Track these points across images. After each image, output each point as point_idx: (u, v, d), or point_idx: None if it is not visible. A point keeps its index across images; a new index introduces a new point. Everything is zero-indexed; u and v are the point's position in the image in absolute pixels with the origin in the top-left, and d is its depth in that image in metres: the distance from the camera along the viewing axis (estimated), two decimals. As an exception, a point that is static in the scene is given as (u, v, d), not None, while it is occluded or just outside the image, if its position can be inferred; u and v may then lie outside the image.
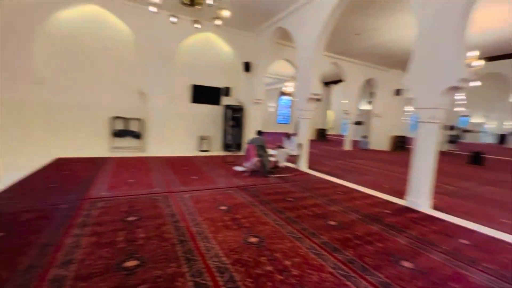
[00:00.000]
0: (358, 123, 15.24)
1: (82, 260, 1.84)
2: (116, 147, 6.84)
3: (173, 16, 4.25)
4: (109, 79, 6.68)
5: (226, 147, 8.14)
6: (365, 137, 12.72)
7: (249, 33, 8.05)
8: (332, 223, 2.83)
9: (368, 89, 14.92)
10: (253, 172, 5.09)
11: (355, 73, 11.08)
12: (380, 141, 12.30)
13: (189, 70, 7.66)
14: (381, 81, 11.88)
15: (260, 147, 5.11)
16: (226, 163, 6.14)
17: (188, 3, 3.54)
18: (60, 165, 4.92)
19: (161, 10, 5.22)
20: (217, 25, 4.09)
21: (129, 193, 3.44)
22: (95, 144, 6.62)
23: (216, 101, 8.18)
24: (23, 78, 5.62)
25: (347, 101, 11.38)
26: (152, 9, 3.82)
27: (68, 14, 6.04)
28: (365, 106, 18.08)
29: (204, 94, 7.97)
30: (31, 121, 5.83)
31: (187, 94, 7.75)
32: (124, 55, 6.76)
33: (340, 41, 8.33)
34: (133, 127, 7.05)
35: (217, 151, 8.16)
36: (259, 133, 5.62)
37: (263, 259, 2.01)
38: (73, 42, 6.19)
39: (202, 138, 7.95)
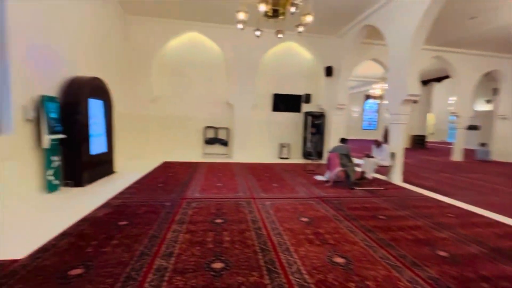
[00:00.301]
0: (472, 127, 12.27)
1: (179, 254, 2.08)
2: (207, 153, 7.70)
3: (257, 30, 4.46)
4: (203, 94, 7.63)
5: (306, 155, 7.95)
6: (484, 145, 10.08)
7: (331, 37, 7.71)
8: (442, 253, 2.28)
9: (488, 85, 11.84)
10: (336, 183, 4.74)
11: (467, 66, 8.97)
12: (507, 150, 9.46)
13: (270, 80, 7.93)
14: (509, 73, 9.21)
15: (344, 155, 4.73)
16: (306, 171, 5.97)
17: (271, 14, 3.65)
18: (166, 167, 5.88)
19: (246, 27, 5.64)
20: (300, 33, 4.06)
21: (217, 196, 3.75)
22: (192, 150, 7.64)
23: (296, 109, 8.15)
24: (144, 97, 7.08)
25: (455, 101, 9.30)
26: (239, 26, 4.12)
27: (173, 43, 7.28)
28: (482, 107, 14.38)
29: (285, 102, 8.07)
30: (148, 131, 7.25)
31: (269, 103, 8.02)
32: (215, 72, 7.60)
33: (446, 29, 6.95)
34: (221, 135, 7.78)
35: (296, 158, 8.07)
36: (343, 140, 5.21)
37: (351, 285, 1.78)
38: (176, 66, 7.41)
39: (282, 146, 8.03)
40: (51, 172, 3.64)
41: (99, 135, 4.70)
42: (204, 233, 2.49)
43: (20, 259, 1.94)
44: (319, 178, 5.17)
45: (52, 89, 3.82)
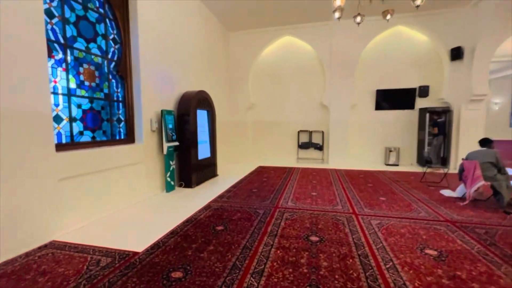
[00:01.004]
0: None
1: (270, 275, 1.88)
2: (301, 158, 7.44)
3: (358, 15, 3.88)
4: (297, 97, 7.45)
5: (424, 161, 6.40)
6: None
7: (458, 10, 5.95)
8: None
9: None
10: (475, 202, 3.48)
11: None
12: None
13: (372, 75, 6.90)
14: None
15: (489, 164, 3.42)
16: (425, 183, 4.74)
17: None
18: (260, 172, 6.01)
19: (343, 19, 5.07)
20: (417, 7, 3.23)
21: (312, 207, 3.41)
22: (286, 155, 7.58)
23: (407, 105, 6.74)
24: (241, 105, 7.58)
25: None
26: (336, 15, 3.69)
27: (267, 51, 7.46)
28: None
29: (391, 99, 6.82)
30: (245, 137, 7.69)
31: (370, 102, 6.99)
32: (309, 74, 7.28)
33: None
34: (316, 139, 7.35)
35: (408, 166, 6.65)
36: (486, 143, 3.79)
37: None
38: (271, 72, 7.55)
39: (389, 150, 6.80)
40: (169, 174, 4.29)
41: (205, 142, 5.26)
42: (297, 252, 2.22)
43: (139, 252, 2.25)
44: (448, 193, 3.96)
45: (169, 103, 4.53)
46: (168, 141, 4.18)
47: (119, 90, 3.70)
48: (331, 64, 6.84)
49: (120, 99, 3.73)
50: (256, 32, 7.26)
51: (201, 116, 5.10)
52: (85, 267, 2.03)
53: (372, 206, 3.46)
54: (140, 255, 2.20)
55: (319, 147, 7.28)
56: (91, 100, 3.26)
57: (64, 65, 2.90)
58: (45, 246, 2.41)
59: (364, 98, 7.01)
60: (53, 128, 2.58)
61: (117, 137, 3.68)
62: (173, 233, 2.64)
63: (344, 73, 6.76)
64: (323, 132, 7.26)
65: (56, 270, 1.99)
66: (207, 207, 3.48)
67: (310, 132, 7.36)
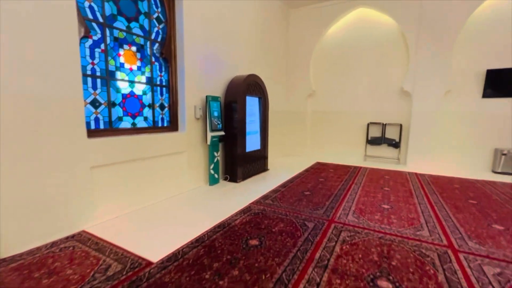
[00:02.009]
0: None
1: None
2: (370, 156, 6.22)
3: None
4: (367, 82, 6.17)
5: None
6: None
7: None
8: None
9: None
10: None
11: None
12: None
13: (481, 49, 5.07)
14: None
15: None
16: None
17: None
18: (318, 170, 5.18)
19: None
20: None
21: (382, 228, 2.51)
22: (349, 151, 6.46)
23: (540, 91, 4.73)
24: (300, 93, 6.76)
25: None
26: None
27: (333, 29, 6.35)
28: None
29: (511, 82, 4.90)
30: (303, 128, 6.88)
31: (475, 86, 5.20)
32: (385, 54, 5.89)
33: None
34: (391, 134, 5.99)
35: (536, 177, 4.72)
36: None
37: None
38: (337, 54, 6.43)
39: (502, 153, 4.96)
40: (212, 166, 3.95)
41: (255, 133, 4.74)
42: (356, 305, 1.47)
43: (153, 263, 1.88)
44: None
45: (216, 89, 4.13)
46: (212, 130, 3.80)
47: (162, 73, 3.46)
48: (418, 37, 5.31)
49: (164, 83, 3.50)
50: (323, 6, 6.22)
51: (251, 103, 4.58)
52: (92, 272, 1.76)
53: (481, 238, 2.33)
54: (152, 267, 1.83)
55: (395, 144, 5.90)
56: (132, 84, 3.08)
57: (103, 46, 2.73)
58: (73, 236, 2.29)
59: (465, 81, 5.26)
60: (84, 113, 2.43)
61: (159, 124, 3.47)
62: (198, 240, 2.21)
63: (438, 48, 5.15)
64: (401, 126, 5.84)
65: (65, 272, 1.77)
66: (246, 209, 2.96)
67: (384, 125, 6.03)
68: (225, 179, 4.29)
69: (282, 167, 5.38)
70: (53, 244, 2.16)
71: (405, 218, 2.76)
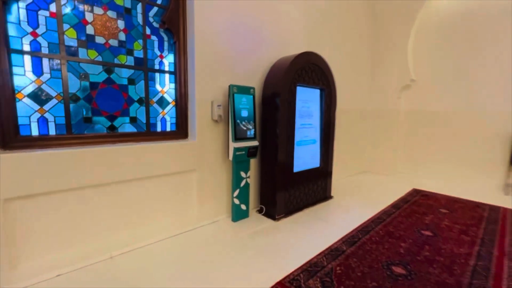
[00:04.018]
0: None
1: None
2: (517, 189, 3.66)
3: None
4: (508, 67, 3.62)
5: None
6: None
7: None
8: None
9: None
10: None
11: None
12: None
13: None
14: None
15: None
16: None
17: None
18: (416, 206, 3.15)
19: None
20: None
21: None
22: (472, 176, 4.00)
23: None
24: (389, 84, 4.66)
25: None
26: None
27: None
28: None
29: None
30: (390, 135, 4.74)
31: None
32: None
33: None
34: None
35: None
36: None
37: None
38: (449, 26, 4.07)
39: None
40: (237, 193, 2.61)
41: (311, 142, 3.15)
42: None
43: None
44: None
45: (248, 77, 2.76)
46: (237, 139, 2.47)
47: (164, 53, 2.34)
48: None
49: (168, 68, 2.37)
50: None
51: (306, 97, 3.01)
52: None
53: None
54: None
55: None
56: (109, 68, 2.04)
57: (53, 7, 1.76)
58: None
59: None
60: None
61: (158, 129, 2.36)
62: None
63: None
64: None
65: None
66: (290, 282, 1.49)
67: (554, 136, 3.38)
68: (260, 211, 2.88)
69: (354, 195, 3.57)
70: None
71: None
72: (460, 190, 3.78)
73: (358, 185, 4.09)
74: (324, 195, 3.34)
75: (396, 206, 3.15)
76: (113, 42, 2.04)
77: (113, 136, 2.07)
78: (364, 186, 4.04)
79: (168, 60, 2.37)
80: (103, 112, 2.03)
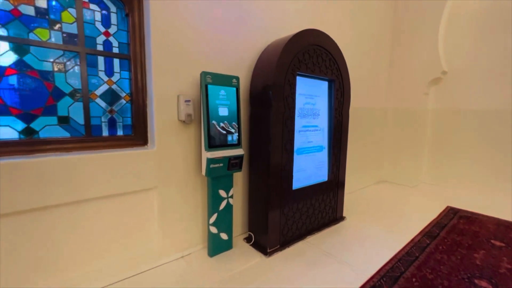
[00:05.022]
0: None
1: None
2: None
3: None
4: None
5: None
6: None
7: None
8: None
9: None
10: None
11: None
12: None
13: None
14: None
15: None
16: None
17: None
18: (456, 235, 2.37)
19: None
20: None
21: None
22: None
23: None
24: (414, 76, 3.87)
25: None
26: None
27: None
28: None
29: None
30: (416, 138, 3.94)
31: None
32: None
33: None
34: None
35: None
36: None
37: None
38: (497, 9, 3.25)
39: None
40: (215, 218, 1.95)
41: (316, 150, 2.45)
42: None
43: None
44: None
45: (231, 65, 2.10)
46: (213, 146, 1.81)
47: (111, 29, 1.72)
48: None
49: (118, 50, 1.74)
50: None
51: (310, 90, 2.31)
52: None
53: None
54: None
55: None
56: (20, 46, 1.43)
57: None
58: None
59: None
60: None
61: (106, 133, 1.74)
62: None
63: None
64: None
65: None
66: None
67: None
68: (248, 239, 2.21)
69: (372, 214, 2.83)
70: None
71: None
72: (510, 209, 2.96)
73: (376, 199, 3.34)
74: (333, 216, 2.63)
75: (430, 234, 2.39)
76: (26, 10, 1.43)
77: (31, 143, 1.46)
78: (384, 201, 3.28)
79: (118, 40, 1.74)
80: (13, 109, 1.43)
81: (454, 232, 2.44)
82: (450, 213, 2.92)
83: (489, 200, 3.27)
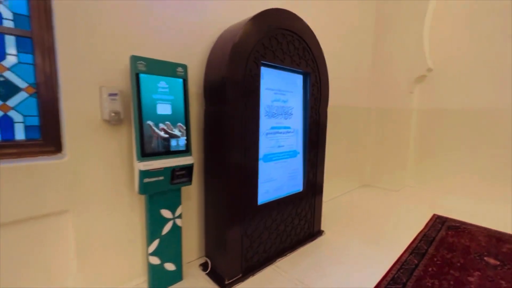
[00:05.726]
0: None
1: None
2: None
3: None
4: None
5: None
6: None
7: None
8: None
9: None
10: None
11: None
12: None
13: None
14: None
15: None
16: None
17: None
18: (447, 248, 2.08)
19: None
20: None
21: None
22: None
23: None
24: (400, 74, 3.60)
25: None
26: None
27: None
28: None
29: None
30: (401, 140, 3.68)
31: None
32: None
33: None
34: None
35: None
36: None
37: None
38: (485, 3, 3.01)
39: None
40: (156, 245, 1.52)
41: (289, 155, 2.07)
42: None
43: None
44: None
45: (180, 51, 1.67)
46: (148, 154, 1.38)
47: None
48: None
49: (13, 24, 1.27)
50: None
51: (279, 84, 1.92)
52: None
53: None
54: None
55: None
56: None
57: None
58: None
59: None
60: None
61: (-6, 137, 1.27)
62: None
63: None
64: None
65: None
66: None
67: None
68: (204, 267, 1.80)
69: (354, 225, 2.50)
70: None
71: None
72: (499, 217, 2.73)
73: (358, 207, 3.02)
74: (309, 231, 2.27)
75: (417, 251, 2.09)
76: None
77: None
78: (366, 209, 2.98)
79: (13, 10, 1.27)
80: None
81: (443, 247, 2.15)
82: (437, 222, 2.65)
83: (476, 205, 3.05)
